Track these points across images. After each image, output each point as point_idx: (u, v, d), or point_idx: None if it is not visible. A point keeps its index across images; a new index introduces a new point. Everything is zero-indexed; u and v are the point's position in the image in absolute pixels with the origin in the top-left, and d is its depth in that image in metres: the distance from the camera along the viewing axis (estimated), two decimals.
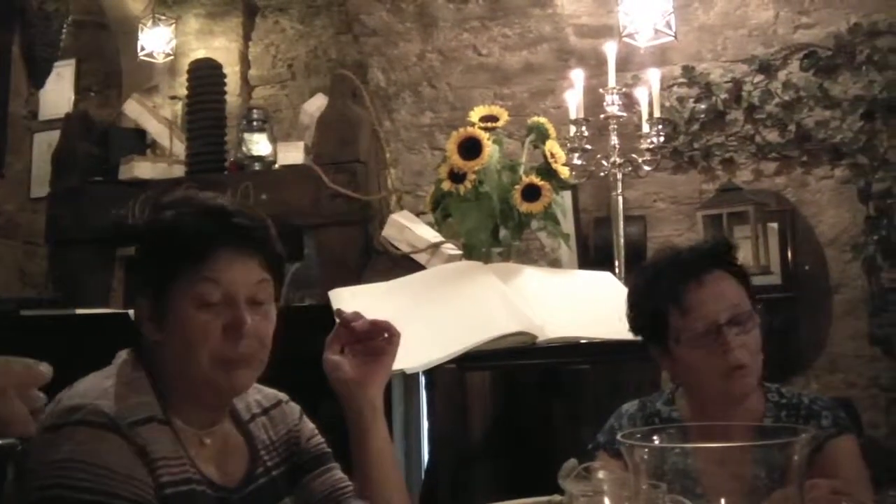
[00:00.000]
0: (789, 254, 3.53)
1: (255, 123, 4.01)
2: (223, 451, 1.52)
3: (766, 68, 3.61)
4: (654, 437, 1.11)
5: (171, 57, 4.72)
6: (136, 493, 1.32)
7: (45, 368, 1.22)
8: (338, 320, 1.60)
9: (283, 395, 1.69)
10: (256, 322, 1.47)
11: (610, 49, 3.28)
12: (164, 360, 1.47)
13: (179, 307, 1.44)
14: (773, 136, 3.60)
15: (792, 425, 1.73)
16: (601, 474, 1.38)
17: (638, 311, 1.94)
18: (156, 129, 4.37)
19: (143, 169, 4.10)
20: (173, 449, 1.41)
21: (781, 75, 3.60)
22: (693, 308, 1.80)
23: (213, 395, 1.49)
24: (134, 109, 4.41)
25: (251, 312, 1.46)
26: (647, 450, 1.04)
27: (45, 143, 4.67)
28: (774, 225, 3.52)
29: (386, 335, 1.60)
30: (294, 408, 1.69)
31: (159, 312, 1.45)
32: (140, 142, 4.39)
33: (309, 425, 1.68)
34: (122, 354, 1.51)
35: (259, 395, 1.65)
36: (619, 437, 1.05)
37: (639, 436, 1.09)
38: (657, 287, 1.87)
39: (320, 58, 4.63)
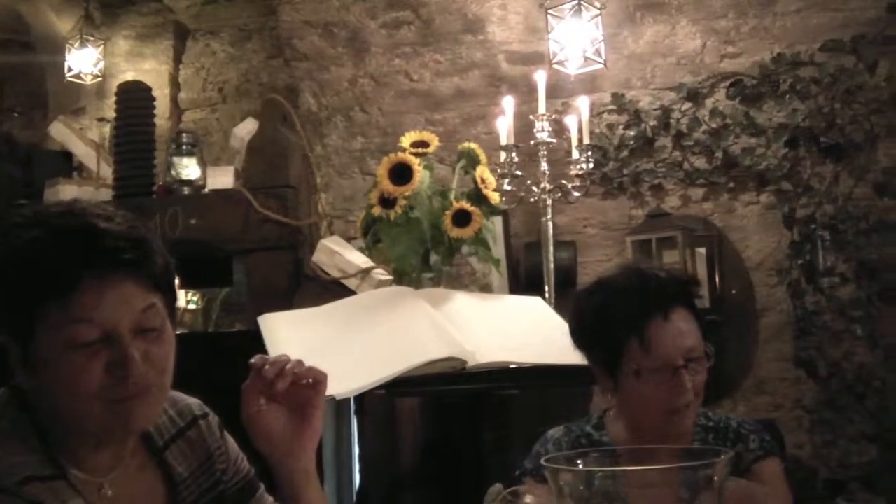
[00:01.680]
0: (717, 278, 3.57)
1: (184, 147, 3.95)
2: (130, 497, 1.32)
3: (693, 96, 3.67)
4: (579, 461, 1.11)
5: (100, 78, 4.65)
6: None
7: None
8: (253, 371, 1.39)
9: (198, 409, 1.48)
10: (149, 351, 1.24)
11: (540, 76, 3.31)
12: (46, 405, 1.25)
13: (50, 352, 1.19)
14: (700, 162, 3.65)
15: (716, 447, 1.74)
16: (528, 499, 1.38)
17: (591, 332, 1.87)
18: (83, 152, 4.28)
19: (69, 192, 4.00)
20: None
21: (709, 103, 3.66)
22: (655, 345, 1.76)
23: (110, 438, 1.28)
24: (60, 131, 4.31)
25: (141, 342, 1.23)
26: (571, 474, 1.05)
27: None
28: (702, 250, 3.56)
29: (310, 380, 1.40)
30: (212, 423, 1.49)
31: (30, 358, 1.22)
32: (66, 164, 4.29)
33: (231, 444, 1.50)
34: None
35: (173, 409, 1.44)
36: (542, 461, 1.05)
37: (563, 460, 1.09)
38: (620, 313, 1.80)
39: (251, 81, 4.61)
